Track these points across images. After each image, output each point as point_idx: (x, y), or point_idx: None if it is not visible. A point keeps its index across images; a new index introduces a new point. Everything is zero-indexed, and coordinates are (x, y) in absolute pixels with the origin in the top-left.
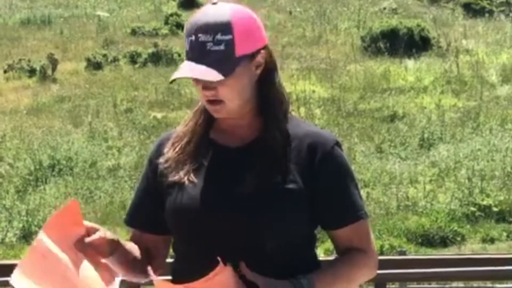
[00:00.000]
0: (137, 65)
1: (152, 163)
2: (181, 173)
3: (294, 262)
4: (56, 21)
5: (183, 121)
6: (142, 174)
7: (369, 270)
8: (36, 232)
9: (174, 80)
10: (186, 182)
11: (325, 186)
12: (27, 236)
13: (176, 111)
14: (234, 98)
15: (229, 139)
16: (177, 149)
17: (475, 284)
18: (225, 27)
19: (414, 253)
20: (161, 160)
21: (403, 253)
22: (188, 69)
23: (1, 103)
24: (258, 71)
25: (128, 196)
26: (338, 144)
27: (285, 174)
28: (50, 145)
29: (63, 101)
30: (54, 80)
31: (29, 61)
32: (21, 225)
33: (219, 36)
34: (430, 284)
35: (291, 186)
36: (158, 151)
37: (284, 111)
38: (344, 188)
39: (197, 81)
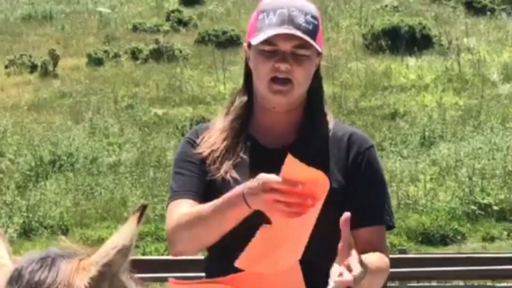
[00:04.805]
0: (138, 62)
1: (193, 149)
2: (223, 169)
3: (327, 256)
4: (57, 16)
5: (219, 114)
6: (180, 158)
7: (387, 271)
8: (36, 228)
9: (271, 38)
10: (229, 177)
11: (359, 185)
12: (27, 232)
13: (177, 108)
14: (303, 83)
15: (269, 139)
16: (216, 142)
17: (475, 283)
18: (315, 14)
19: (415, 251)
20: (200, 150)
21: (403, 251)
22: (285, 29)
23: (2, 99)
24: (314, 70)
25: (129, 192)
26: (373, 146)
27: (327, 173)
28: (51, 141)
29: (64, 97)
30: (55, 76)
31: (30, 56)
32: (21, 221)
33: (309, 18)
34: (430, 283)
35: (334, 185)
36: (196, 139)
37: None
38: (376, 190)
39: (273, 52)
